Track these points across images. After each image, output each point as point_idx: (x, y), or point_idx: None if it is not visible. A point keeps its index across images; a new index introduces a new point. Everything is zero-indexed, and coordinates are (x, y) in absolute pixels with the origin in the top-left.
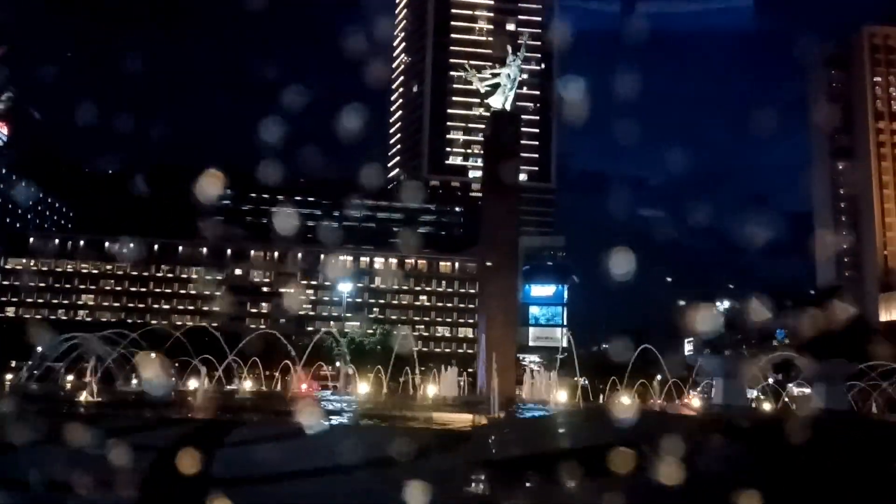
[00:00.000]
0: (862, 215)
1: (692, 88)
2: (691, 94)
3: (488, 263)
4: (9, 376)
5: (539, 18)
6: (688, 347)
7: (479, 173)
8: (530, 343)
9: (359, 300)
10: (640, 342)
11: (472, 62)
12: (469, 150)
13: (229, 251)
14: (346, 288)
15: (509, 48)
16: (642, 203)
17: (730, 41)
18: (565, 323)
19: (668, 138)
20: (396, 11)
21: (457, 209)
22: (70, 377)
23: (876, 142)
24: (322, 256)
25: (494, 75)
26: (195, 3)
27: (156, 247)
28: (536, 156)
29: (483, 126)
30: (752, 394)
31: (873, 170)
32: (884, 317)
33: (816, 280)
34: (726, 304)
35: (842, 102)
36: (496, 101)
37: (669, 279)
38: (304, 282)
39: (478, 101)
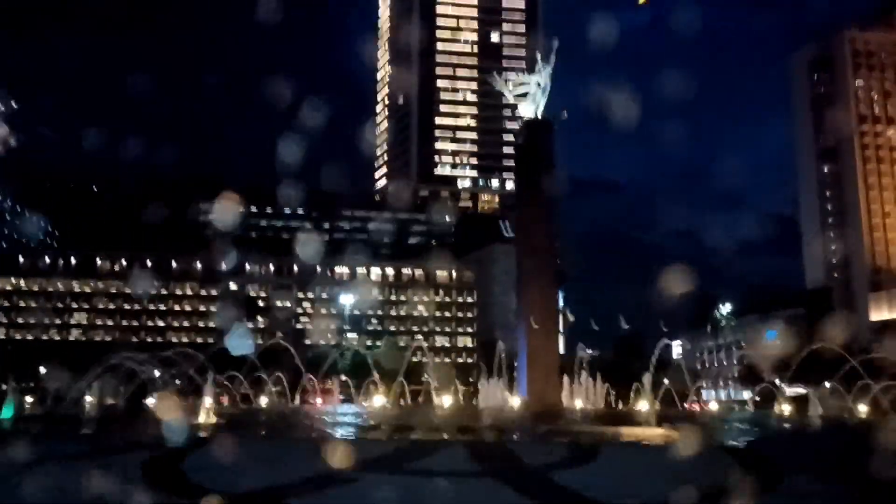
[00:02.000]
0: (849, 216)
1: (672, 91)
2: (671, 96)
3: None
4: (28, 399)
5: (523, 28)
6: (676, 350)
7: (467, 183)
8: None
9: (356, 312)
10: (633, 345)
11: (458, 73)
12: (457, 160)
13: (224, 265)
14: (348, 300)
15: (538, 55)
16: (624, 206)
17: (712, 46)
18: (561, 329)
19: (646, 141)
20: (380, 24)
21: (447, 218)
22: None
23: (860, 144)
24: (318, 268)
25: (523, 83)
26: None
27: (149, 263)
28: None
29: (474, 136)
30: (747, 395)
31: (859, 171)
32: (874, 316)
33: (805, 281)
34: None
35: (825, 105)
36: (527, 110)
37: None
38: (301, 294)
39: (465, 111)
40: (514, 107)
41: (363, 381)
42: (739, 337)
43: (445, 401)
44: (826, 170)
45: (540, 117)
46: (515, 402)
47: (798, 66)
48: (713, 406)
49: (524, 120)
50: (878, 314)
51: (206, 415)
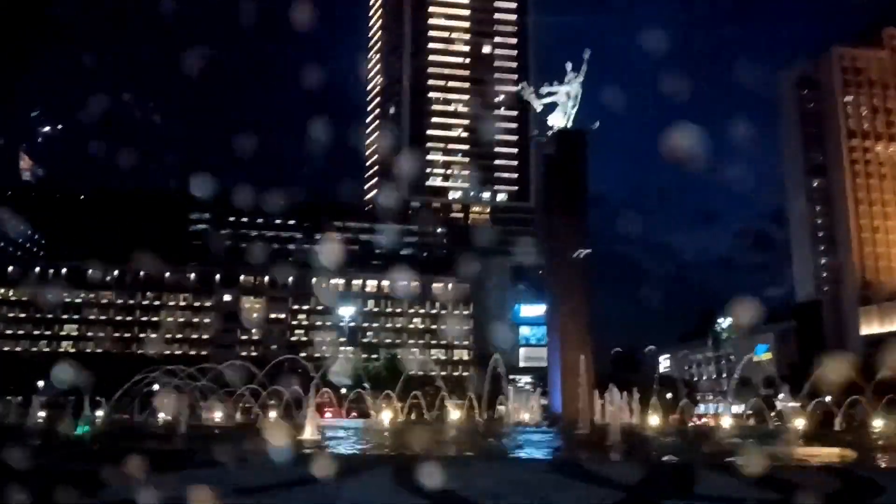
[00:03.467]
0: (838, 231)
1: (660, 104)
2: (658, 110)
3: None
4: (41, 414)
5: (515, 41)
6: (664, 364)
7: (458, 194)
8: (521, 364)
9: (352, 324)
10: (628, 359)
11: (449, 85)
12: (449, 171)
13: (217, 277)
14: (347, 312)
15: (569, 65)
16: (606, 220)
17: (700, 62)
18: None
19: (629, 155)
20: (370, 35)
21: (439, 230)
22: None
23: (850, 159)
24: (314, 280)
25: (551, 93)
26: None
27: (141, 274)
28: (516, 175)
29: (466, 147)
30: (739, 409)
31: (848, 186)
32: (864, 330)
33: (796, 295)
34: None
35: (814, 121)
36: (556, 120)
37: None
38: (296, 307)
39: (457, 121)
40: (505, 119)
41: (361, 394)
42: (730, 350)
43: (455, 415)
44: (815, 185)
45: (570, 127)
46: (534, 416)
47: (788, 82)
48: (727, 421)
49: (555, 130)
50: (869, 328)
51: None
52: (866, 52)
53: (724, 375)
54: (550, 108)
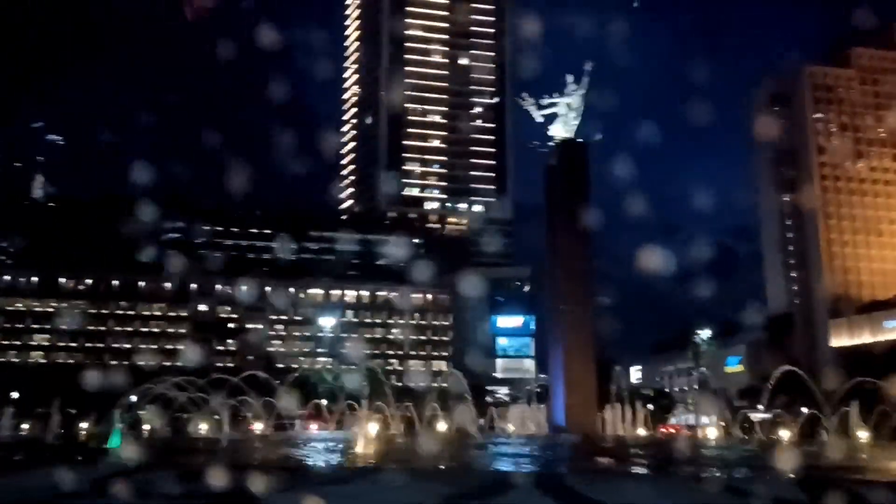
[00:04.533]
0: (809, 245)
1: (630, 120)
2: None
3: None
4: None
5: (493, 54)
6: (635, 375)
7: (434, 205)
8: (498, 375)
9: (330, 335)
10: (603, 370)
11: (427, 95)
12: (425, 182)
13: (193, 286)
14: (328, 323)
15: (569, 77)
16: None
17: (671, 78)
18: (534, 354)
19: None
20: (347, 44)
21: (415, 241)
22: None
23: (820, 174)
24: (292, 290)
25: (552, 104)
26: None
27: (114, 283)
28: (492, 187)
29: (443, 158)
30: (707, 420)
31: (818, 202)
32: (834, 342)
33: (768, 307)
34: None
35: (786, 137)
36: (557, 131)
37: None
38: (273, 317)
39: (434, 132)
40: (482, 130)
41: (342, 405)
42: (702, 362)
43: (441, 427)
44: (787, 200)
45: (569, 138)
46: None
47: (759, 99)
48: (712, 432)
49: (557, 140)
50: (839, 341)
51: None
52: (836, 71)
53: (696, 387)
54: (550, 118)
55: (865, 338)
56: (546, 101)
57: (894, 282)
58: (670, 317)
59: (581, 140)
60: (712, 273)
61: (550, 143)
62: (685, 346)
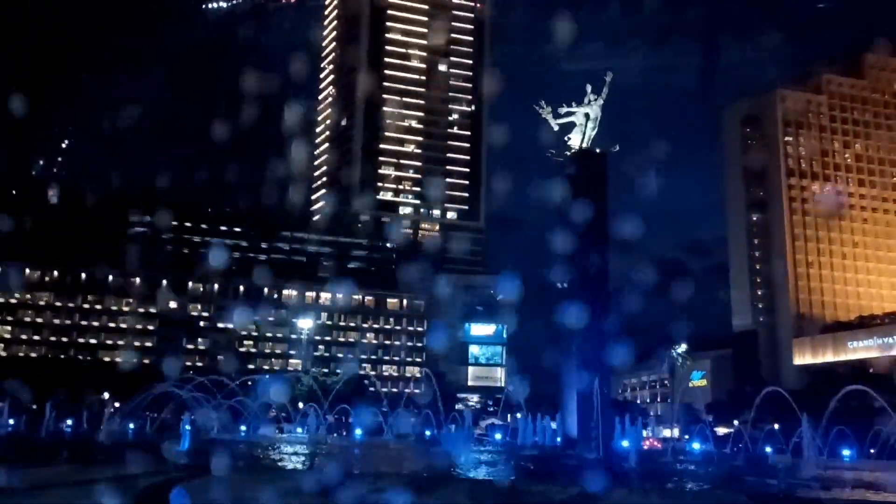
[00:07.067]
0: (775, 264)
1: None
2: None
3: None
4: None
5: (470, 62)
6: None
7: (408, 210)
8: (469, 383)
9: (303, 336)
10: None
11: (404, 100)
12: (400, 186)
13: (164, 282)
14: (305, 325)
15: (588, 87)
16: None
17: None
18: (505, 362)
19: None
20: (324, 45)
21: (388, 245)
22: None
23: (788, 196)
24: (265, 291)
25: (569, 114)
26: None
27: (83, 276)
28: (467, 195)
29: (419, 164)
30: (664, 433)
31: (786, 222)
32: (797, 360)
33: (732, 324)
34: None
35: (756, 159)
36: (576, 141)
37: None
38: (245, 317)
39: (410, 137)
40: (458, 138)
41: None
42: (664, 375)
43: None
44: (755, 219)
45: (588, 148)
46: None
47: (731, 119)
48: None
49: (574, 150)
50: (802, 359)
51: None
52: (806, 95)
53: (659, 400)
54: (566, 128)
55: (828, 357)
56: (564, 111)
57: (856, 304)
58: (634, 329)
59: (599, 150)
60: (678, 287)
61: (566, 153)
62: (649, 358)
